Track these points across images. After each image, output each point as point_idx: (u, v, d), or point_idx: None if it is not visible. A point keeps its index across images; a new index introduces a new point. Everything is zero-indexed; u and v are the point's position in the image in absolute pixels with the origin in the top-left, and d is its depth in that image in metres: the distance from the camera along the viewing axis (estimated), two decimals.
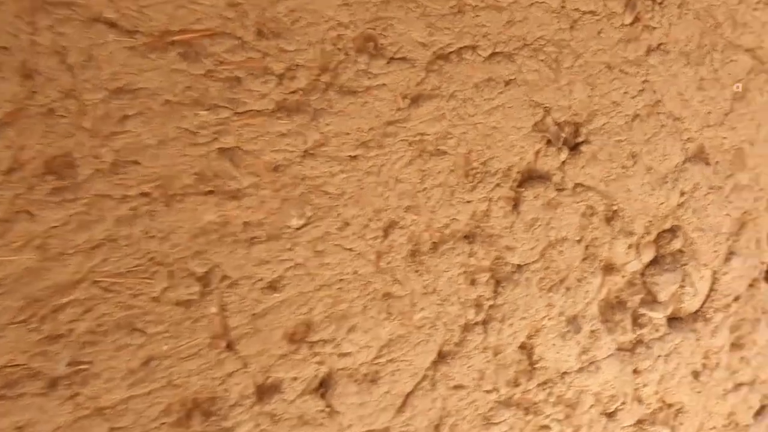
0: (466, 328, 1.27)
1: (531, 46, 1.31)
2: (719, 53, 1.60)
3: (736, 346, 1.68)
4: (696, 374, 1.58)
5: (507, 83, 1.28)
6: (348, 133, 1.10)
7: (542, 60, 1.32)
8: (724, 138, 1.62)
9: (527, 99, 1.31)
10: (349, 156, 1.11)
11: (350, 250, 1.13)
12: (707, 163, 1.59)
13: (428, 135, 1.20)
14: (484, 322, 1.29)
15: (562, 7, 1.34)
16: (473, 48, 1.24)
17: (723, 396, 1.64)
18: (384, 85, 1.13)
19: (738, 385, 1.67)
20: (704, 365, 1.60)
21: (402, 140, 1.17)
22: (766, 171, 1.71)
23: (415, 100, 1.18)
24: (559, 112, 1.36)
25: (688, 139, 1.56)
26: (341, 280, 1.13)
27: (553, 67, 1.34)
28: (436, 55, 1.20)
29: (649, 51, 1.48)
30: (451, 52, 1.21)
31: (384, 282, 1.17)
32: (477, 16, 1.23)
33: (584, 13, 1.36)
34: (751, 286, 1.70)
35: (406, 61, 1.16)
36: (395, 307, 1.19)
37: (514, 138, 1.30)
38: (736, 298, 1.66)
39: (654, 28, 1.47)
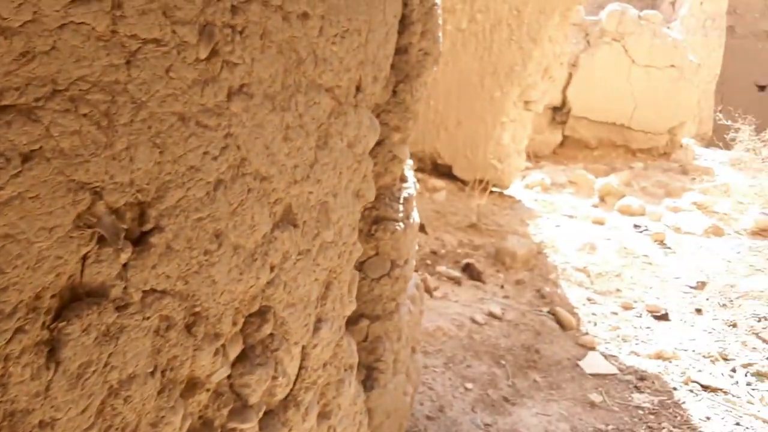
0: None
1: (66, 94, 0.82)
2: (303, 95, 1.37)
3: (322, 415, 1.55)
4: None
5: (26, 158, 0.77)
6: None
7: (85, 115, 0.84)
8: (311, 193, 1.42)
9: (64, 179, 0.82)
10: None
11: None
12: (295, 226, 1.36)
13: None
14: None
15: (113, 32, 0.87)
16: None
17: None
18: None
19: None
20: None
21: None
22: (348, 222, 1.59)
23: None
24: (116, 193, 0.91)
25: (276, 201, 1.29)
26: None
27: (104, 124, 0.87)
28: None
29: (231, 95, 1.14)
30: None
31: None
32: None
33: (145, 42, 0.93)
34: (336, 345, 1.58)
35: None
36: None
37: (43, 246, 0.80)
38: (324, 365, 1.51)
39: (236, 64, 1.14)
